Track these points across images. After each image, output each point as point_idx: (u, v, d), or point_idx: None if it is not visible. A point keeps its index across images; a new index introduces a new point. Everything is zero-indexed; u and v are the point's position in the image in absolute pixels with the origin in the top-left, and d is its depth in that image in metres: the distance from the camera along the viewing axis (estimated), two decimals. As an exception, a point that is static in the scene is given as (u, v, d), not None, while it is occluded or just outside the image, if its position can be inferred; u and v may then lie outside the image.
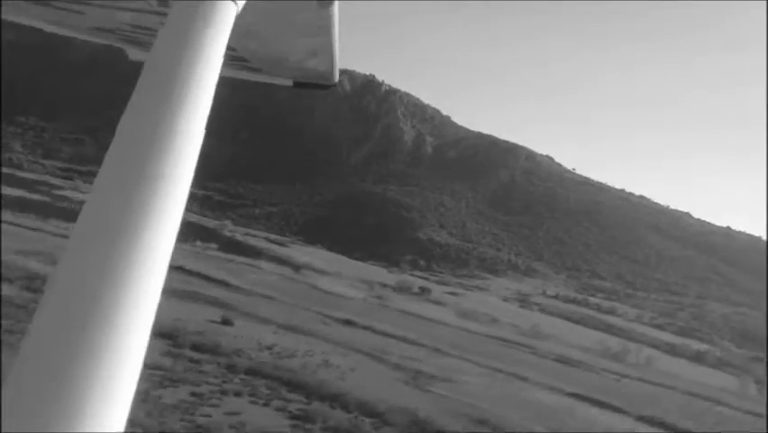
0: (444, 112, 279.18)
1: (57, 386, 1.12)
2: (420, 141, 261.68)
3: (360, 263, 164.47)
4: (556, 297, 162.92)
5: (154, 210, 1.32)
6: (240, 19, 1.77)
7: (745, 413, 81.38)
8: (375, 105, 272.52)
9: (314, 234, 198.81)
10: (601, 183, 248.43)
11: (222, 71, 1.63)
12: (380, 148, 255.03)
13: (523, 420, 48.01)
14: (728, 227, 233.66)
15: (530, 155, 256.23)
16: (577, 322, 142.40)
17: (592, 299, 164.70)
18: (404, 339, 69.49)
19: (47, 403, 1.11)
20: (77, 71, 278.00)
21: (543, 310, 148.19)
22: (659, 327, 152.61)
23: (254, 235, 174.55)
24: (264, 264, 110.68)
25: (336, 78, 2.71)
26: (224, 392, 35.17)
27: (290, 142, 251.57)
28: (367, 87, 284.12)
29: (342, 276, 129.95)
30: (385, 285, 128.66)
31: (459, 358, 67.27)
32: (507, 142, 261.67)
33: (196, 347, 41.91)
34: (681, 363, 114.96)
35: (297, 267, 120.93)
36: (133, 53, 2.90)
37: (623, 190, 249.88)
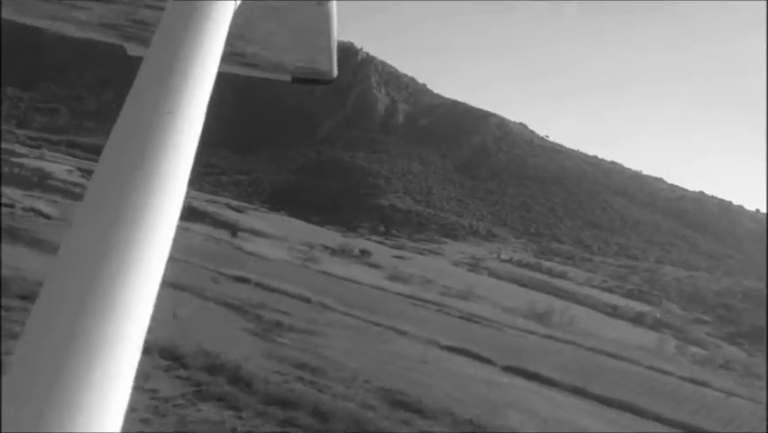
0: (421, 80, 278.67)
1: (54, 386, 1.10)
2: (393, 108, 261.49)
3: (316, 228, 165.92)
4: (510, 261, 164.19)
5: (151, 206, 1.32)
6: (238, 15, 1.75)
7: (647, 368, 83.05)
8: (351, 74, 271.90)
9: (279, 200, 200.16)
10: (573, 150, 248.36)
11: (220, 67, 1.63)
12: (353, 116, 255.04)
13: (362, 367, 49.17)
14: (701, 192, 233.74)
15: (502, 123, 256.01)
16: (523, 285, 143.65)
17: (546, 263, 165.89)
18: (292, 295, 70.25)
19: (45, 403, 1.09)
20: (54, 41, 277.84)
21: (491, 274, 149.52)
22: (608, 289, 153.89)
23: (215, 202, 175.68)
24: (198, 227, 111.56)
25: (335, 73, 2.64)
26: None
27: (264, 112, 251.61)
28: (344, 54, 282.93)
29: (286, 240, 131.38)
30: (326, 248, 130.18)
31: (342, 314, 68.07)
32: (480, 110, 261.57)
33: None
34: (611, 324, 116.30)
35: (235, 231, 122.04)
36: (132, 49, 2.86)
37: (595, 157, 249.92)
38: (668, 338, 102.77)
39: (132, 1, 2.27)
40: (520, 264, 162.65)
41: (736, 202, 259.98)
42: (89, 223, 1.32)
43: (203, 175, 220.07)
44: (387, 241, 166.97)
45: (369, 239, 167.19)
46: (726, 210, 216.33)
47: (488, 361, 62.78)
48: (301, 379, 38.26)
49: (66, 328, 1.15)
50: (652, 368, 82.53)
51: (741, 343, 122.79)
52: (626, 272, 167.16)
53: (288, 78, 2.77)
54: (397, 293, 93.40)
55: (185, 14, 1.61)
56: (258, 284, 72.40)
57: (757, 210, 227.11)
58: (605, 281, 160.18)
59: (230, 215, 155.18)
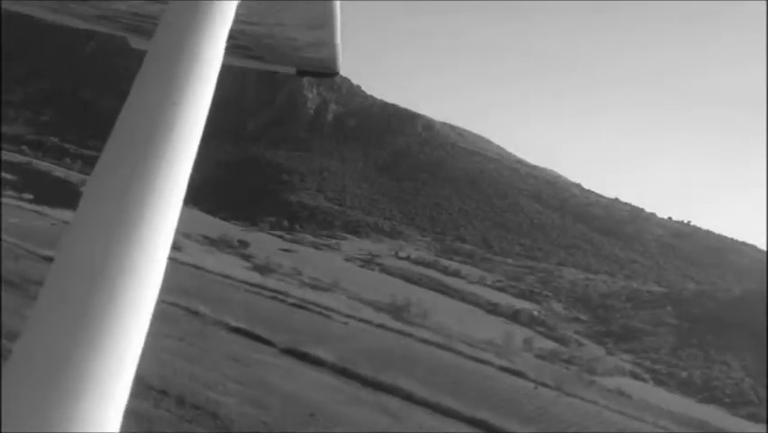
0: (356, 81, 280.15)
1: (53, 386, 1.11)
2: (323, 108, 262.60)
3: (216, 221, 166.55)
4: (407, 258, 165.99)
5: (152, 204, 1.30)
6: (242, 8, 1.73)
7: (468, 358, 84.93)
8: (282, 74, 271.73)
9: (194, 195, 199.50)
10: (497, 154, 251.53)
11: (224, 59, 1.61)
12: (281, 114, 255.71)
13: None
14: (616, 198, 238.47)
15: (428, 124, 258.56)
16: (412, 282, 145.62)
17: (444, 262, 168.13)
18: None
19: (45, 403, 1.10)
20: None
21: (383, 270, 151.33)
22: (500, 288, 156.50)
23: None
24: (60, 214, 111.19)
25: (339, 66, 2.75)
26: None
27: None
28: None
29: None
30: (206, 238, 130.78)
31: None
32: (408, 111, 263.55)
33: None
34: (476, 320, 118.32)
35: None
36: (135, 41, 2.92)
37: (517, 161, 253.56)
38: (516, 334, 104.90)
39: None
40: (416, 262, 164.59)
41: (660, 211, 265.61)
42: (91, 216, 1.27)
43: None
44: (286, 235, 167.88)
45: (269, 233, 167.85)
46: (635, 217, 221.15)
47: (268, 342, 63.99)
48: None
49: (65, 328, 1.14)
50: (474, 358, 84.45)
51: (606, 342, 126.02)
52: (523, 273, 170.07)
53: (292, 70, 2.95)
54: (242, 281, 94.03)
55: (188, 8, 1.58)
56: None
57: (669, 218, 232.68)
58: (499, 281, 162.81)
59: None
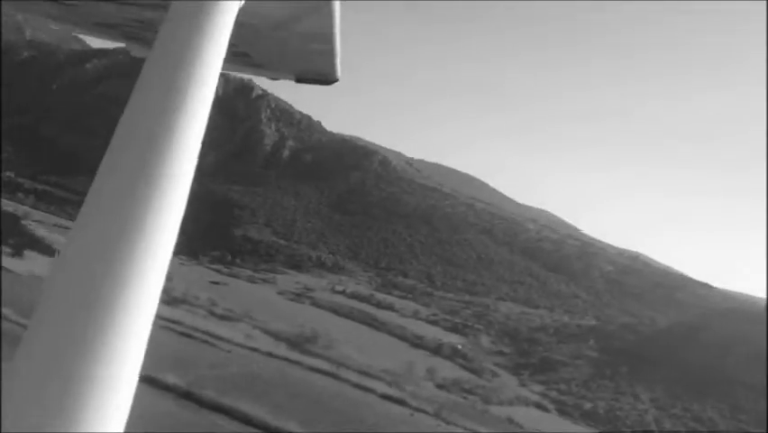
0: (316, 117, 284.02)
1: (56, 386, 1.13)
2: (281, 144, 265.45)
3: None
4: (343, 292, 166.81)
5: (154, 209, 1.33)
6: (242, 16, 1.73)
7: (351, 386, 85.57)
8: (243, 109, 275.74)
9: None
10: (452, 191, 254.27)
11: (224, 66, 1.63)
12: (239, 150, 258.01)
13: None
14: (569, 235, 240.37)
15: (384, 160, 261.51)
16: (341, 315, 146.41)
17: (380, 296, 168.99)
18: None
19: (46, 403, 1.12)
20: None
21: (313, 304, 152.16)
22: (433, 322, 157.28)
23: (60, 226, 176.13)
24: None
25: (338, 74, 2.77)
26: None
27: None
28: (241, 90, 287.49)
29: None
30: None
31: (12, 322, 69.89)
32: (365, 147, 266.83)
33: None
34: (387, 351, 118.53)
35: (21, 250, 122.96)
36: (136, 49, 2.99)
37: (473, 198, 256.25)
38: (417, 364, 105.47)
39: (135, 2, 2.22)
40: (351, 296, 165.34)
41: (614, 244, 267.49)
42: (93, 220, 1.31)
43: (73, 203, 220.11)
44: (224, 269, 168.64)
45: (207, 266, 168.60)
46: (584, 252, 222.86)
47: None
48: None
49: (68, 329, 1.16)
50: (358, 386, 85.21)
51: (522, 373, 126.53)
52: (460, 307, 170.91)
53: (292, 78, 2.99)
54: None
55: (189, 14, 1.58)
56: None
57: (620, 253, 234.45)
58: (434, 315, 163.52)
59: (57, 238, 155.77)
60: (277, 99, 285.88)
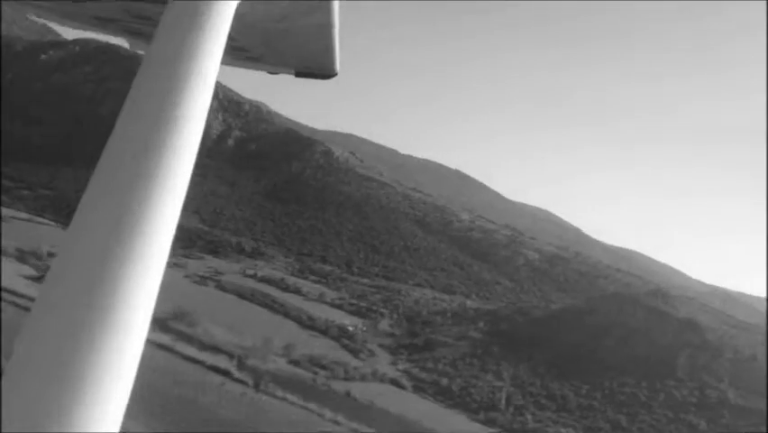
0: (265, 108, 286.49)
1: (53, 386, 1.15)
2: (227, 134, 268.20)
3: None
4: (254, 276, 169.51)
5: (152, 206, 1.36)
6: (241, 10, 1.76)
7: (179, 356, 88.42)
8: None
9: (69, 215, 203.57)
10: (392, 182, 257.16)
11: (223, 61, 1.65)
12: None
13: None
14: (506, 225, 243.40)
15: (327, 151, 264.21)
16: (245, 298, 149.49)
17: (293, 280, 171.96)
18: None
19: (45, 403, 1.13)
20: None
21: (218, 286, 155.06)
22: (337, 306, 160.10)
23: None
24: None
25: (337, 68, 2.82)
26: None
27: (90, 130, 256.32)
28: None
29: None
30: (20, 250, 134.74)
31: None
32: (308, 138, 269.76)
33: None
34: (274, 330, 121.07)
35: None
36: (134, 44, 3.08)
37: (413, 189, 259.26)
38: (286, 342, 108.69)
39: None
40: (261, 280, 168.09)
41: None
42: (91, 217, 1.36)
43: (9, 190, 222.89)
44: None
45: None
46: (512, 241, 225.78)
47: None
48: None
49: (65, 329, 1.19)
50: (185, 356, 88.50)
51: (400, 353, 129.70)
52: (371, 292, 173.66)
53: (291, 72, 3.10)
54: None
55: (188, 10, 1.64)
56: None
57: (549, 243, 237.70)
58: (341, 298, 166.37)
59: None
60: (226, 89, 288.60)
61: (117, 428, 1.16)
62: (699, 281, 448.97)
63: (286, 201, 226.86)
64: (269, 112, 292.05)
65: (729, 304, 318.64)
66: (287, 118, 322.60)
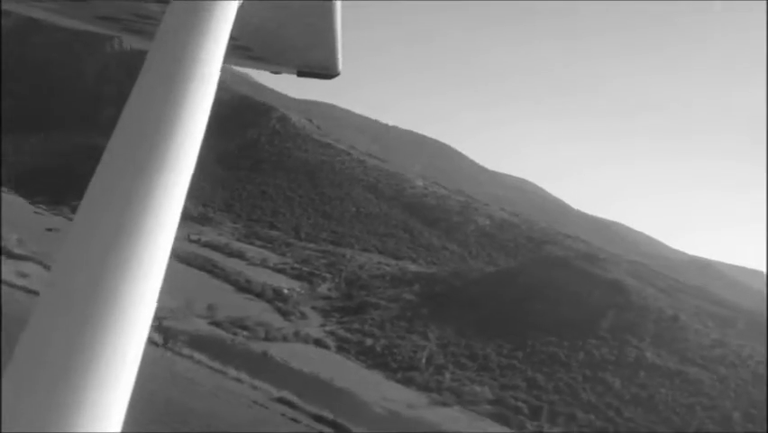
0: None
1: (54, 386, 1.12)
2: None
3: (28, 206, 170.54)
4: (197, 241, 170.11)
5: (154, 204, 1.31)
6: (243, 10, 1.74)
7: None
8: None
9: (24, 183, 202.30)
10: (348, 148, 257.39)
11: (224, 60, 1.62)
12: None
13: None
14: (460, 190, 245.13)
15: (283, 117, 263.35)
16: (184, 262, 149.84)
17: (237, 245, 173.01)
18: None
19: (45, 403, 1.12)
20: None
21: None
22: (279, 270, 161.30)
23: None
24: None
25: (340, 68, 2.80)
26: None
27: (55, 98, 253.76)
28: (140, 52, 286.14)
29: None
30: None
31: None
32: (264, 104, 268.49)
33: None
34: (208, 294, 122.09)
35: None
36: (136, 42, 3.02)
37: (369, 154, 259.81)
38: (198, 302, 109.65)
39: None
40: (205, 245, 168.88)
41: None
42: (93, 216, 1.31)
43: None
44: (73, 215, 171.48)
45: (67, 217, 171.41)
46: (465, 207, 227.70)
47: None
48: None
49: (66, 329, 1.16)
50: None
51: (332, 316, 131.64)
52: (316, 257, 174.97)
53: (293, 72, 3.05)
54: None
55: (190, 9, 1.61)
56: None
57: (502, 208, 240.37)
58: (284, 263, 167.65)
59: None
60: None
61: (119, 428, 1.16)
62: (681, 252, 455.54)
63: (238, 168, 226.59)
64: (225, 81, 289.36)
65: (708, 274, 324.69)
66: (250, 83, 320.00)
